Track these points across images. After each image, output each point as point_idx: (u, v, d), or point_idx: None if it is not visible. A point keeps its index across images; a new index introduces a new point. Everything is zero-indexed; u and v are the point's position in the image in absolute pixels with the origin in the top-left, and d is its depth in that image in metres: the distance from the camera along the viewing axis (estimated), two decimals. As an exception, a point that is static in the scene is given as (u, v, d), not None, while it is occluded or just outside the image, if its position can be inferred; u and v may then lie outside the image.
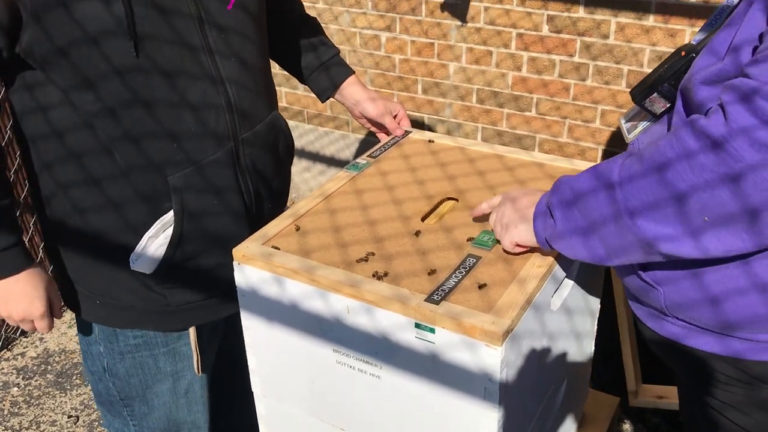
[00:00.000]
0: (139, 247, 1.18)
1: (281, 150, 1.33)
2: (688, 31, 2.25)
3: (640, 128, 1.12)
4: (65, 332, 2.60)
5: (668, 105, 1.06)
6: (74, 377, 2.39)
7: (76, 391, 2.33)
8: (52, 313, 1.21)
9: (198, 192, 1.18)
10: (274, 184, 1.31)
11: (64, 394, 2.32)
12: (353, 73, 1.52)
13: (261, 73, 1.26)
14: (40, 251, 2.53)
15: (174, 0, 1.09)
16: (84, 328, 1.32)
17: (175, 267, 1.21)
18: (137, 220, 1.17)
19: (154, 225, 1.17)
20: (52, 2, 1.02)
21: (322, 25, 1.62)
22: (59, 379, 2.38)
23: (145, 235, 1.17)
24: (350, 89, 1.51)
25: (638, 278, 1.03)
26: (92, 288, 1.24)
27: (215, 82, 1.16)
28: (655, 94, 1.06)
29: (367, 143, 3.06)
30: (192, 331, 1.30)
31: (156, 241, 1.18)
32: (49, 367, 2.44)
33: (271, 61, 1.37)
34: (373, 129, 1.57)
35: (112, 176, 1.15)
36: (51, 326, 1.21)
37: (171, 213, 1.17)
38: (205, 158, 1.17)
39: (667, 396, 2.00)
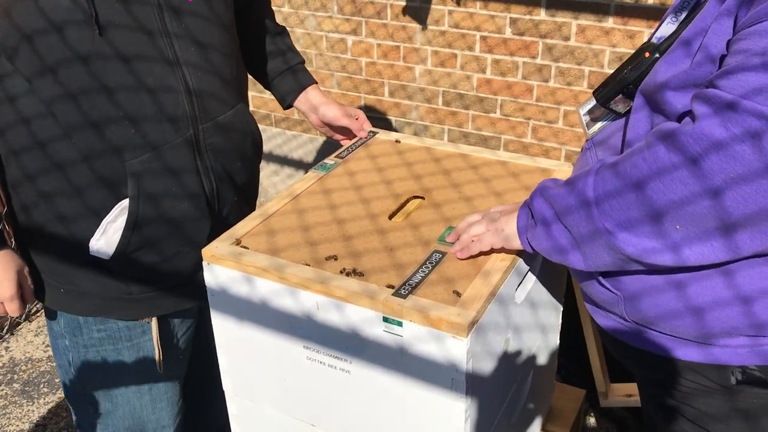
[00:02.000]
0: (98, 232, 1.20)
1: (248, 145, 1.35)
2: (646, 32, 2.32)
3: (599, 125, 1.14)
4: (31, 341, 2.56)
5: (632, 104, 1.06)
6: (41, 386, 2.36)
7: (44, 399, 2.31)
8: (24, 296, 1.23)
9: (155, 175, 1.20)
10: (238, 177, 1.33)
11: (31, 403, 2.29)
12: (316, 82, 1.56)
13: (225, 64, 1.28)
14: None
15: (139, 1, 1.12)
16: (51, 322, 1.34)
17: (133, 253, 1.23)
18: (98, 207, 1.19)
19: (113, 210, 1.19)
20: None
21: (288, 29, 1.64)
22: (26, 388, 2.35)
23: (104, 220, 1.19)
24: (312, 93, 1.54)
25: (598, 284, 1.05)
26: (56, 276, 1.26)
27: (173, 67, 1.18)
28: (620, 96, 1.07)
29: (335, 146, 3.08)
30: (154, 324, 1.31)
31: (114, 225, 1.20)
32: (15, 376, 2.40)
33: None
34: (335, 137, 1.59)
35: (72, 163, 1.16)
36: (21, 309, 1.23)
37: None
38: (164, 144, 1.19)
39: (636, 394, 2.05)
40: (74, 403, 1.39)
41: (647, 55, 1.03)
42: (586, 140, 1.18)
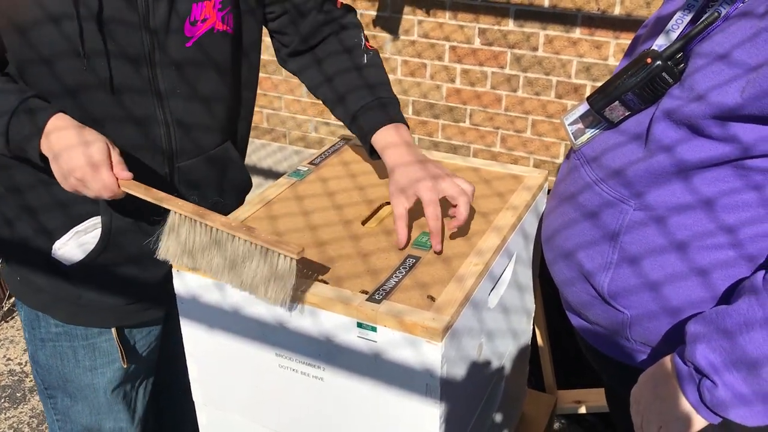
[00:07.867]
0: (65, 238, 1.19)
1: (226, 181, 1.34)
2: (613, 43, 2.36)
3: (588, 134, 1.11)
4: (8, 347, 2.50)
5: (627, 113, 1.04)
6: (2, 400, 2.29)
7: (4, 414, 2.24)
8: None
9: (127, 210, 1.18)
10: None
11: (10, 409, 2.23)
12: (390, 122, 1.26)
13: (214, 107, 1.25)
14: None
15: (127, 36, 1.10)
16: (20, 314, 1.35)
17: (92, 268, 1.22)
18: (59, 218, 1.19)
19: (85, 222, 1.18)
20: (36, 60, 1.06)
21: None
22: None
23: (73, 228, 1.18)
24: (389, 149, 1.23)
25: (604, 302, 1.04)
26: (15, 265, 1.27)
27: (160, 99, 1.17)
28: (616, 103, 1.04)
29: (303, 155, 3.06)
30: (113, 330, 1.31)
31: (83, 237, 1.19)
32: (-26, 390, 2.34)
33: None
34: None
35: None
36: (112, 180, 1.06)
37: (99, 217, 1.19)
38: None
39: (585, 399, 2.08)
40: (41, 396, 1.41)
41: (649, 61, 0.99)
42: (572, 151, 1.16)
